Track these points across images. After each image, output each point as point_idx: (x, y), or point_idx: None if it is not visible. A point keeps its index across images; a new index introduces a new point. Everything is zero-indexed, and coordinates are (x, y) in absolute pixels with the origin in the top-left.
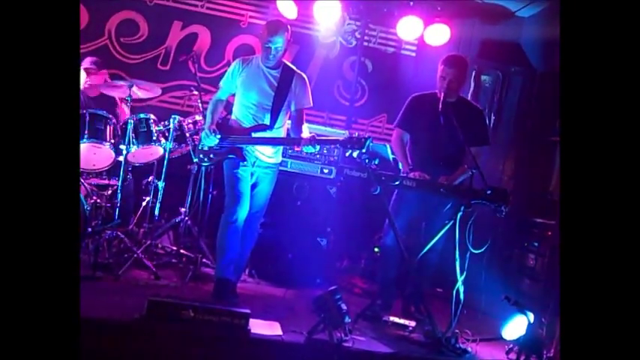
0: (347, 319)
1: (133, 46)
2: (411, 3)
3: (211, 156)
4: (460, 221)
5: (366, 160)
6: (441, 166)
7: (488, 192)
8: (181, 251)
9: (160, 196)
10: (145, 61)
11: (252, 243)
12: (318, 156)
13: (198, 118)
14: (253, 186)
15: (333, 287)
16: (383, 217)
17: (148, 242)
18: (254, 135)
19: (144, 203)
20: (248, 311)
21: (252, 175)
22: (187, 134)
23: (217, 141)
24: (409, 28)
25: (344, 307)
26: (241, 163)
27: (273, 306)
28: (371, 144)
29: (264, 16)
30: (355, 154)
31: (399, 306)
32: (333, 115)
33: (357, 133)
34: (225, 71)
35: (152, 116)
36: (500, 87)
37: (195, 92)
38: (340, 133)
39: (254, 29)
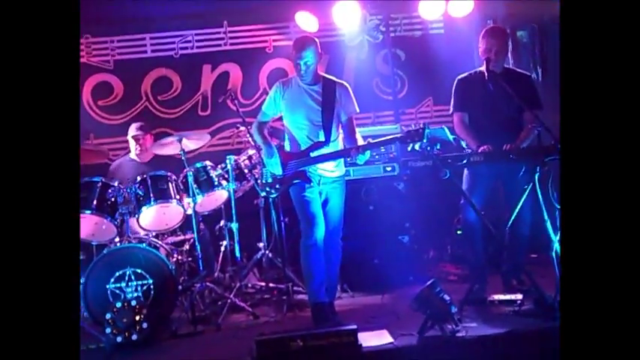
0: (453, 309)
1: (170, 100)
2: None
3: (277, 186)
4: (540, 182)
5: (428, 148)
6: (504, 135)
7: (559, 146)
8: (270, 285)
9: (236, 237)
10: (186, 111)
11: (338, 259)
12: (377, 156)
13: (251, 152)
14: (324, 204)
15: (430, 281)
16: (457, 199)
17: (238, 285)
18: (312, 154)
19: (222, 248)
20: (354, 327)
21: (320, 193)
22: (246, 170)
23: (280, 164)
24: (431, 7)
25: (447, 297)
26: (307, 186)
27: (375, 315)
28: (429, 129)
29: (287, 36)
30: (417, 147)
31: (499, 283)
32: (379, 113)
33: (413, 125)
34: (264, 99)
35: (208, 162)
36: (539, 39)
37: (242, 128)
38: (391, 129)
39: (281, 52)
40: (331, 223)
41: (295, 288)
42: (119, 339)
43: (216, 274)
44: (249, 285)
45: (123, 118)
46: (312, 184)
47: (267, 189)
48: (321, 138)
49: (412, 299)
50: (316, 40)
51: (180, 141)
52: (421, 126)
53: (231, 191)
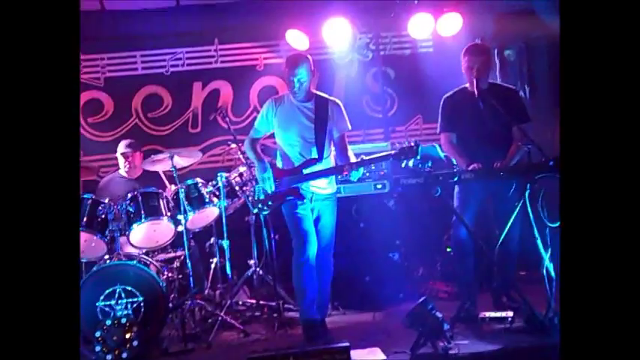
0: (446, 326)
1: (161, 118)
2: (416, 1)
3: (269, 203)
4: (530, 199)
5: (419, 165)
6: (493, 151)
7: (551, 163)
8: (261, 302)
9: (227, 254)
10: (176, 129)
11: (329, 276)
12: (367, 174)
13: (242, 169)
14: (317, 220)
15: (422, 298)
16: (448, 217)
17: (228, 302)
18: (305, 171)
19: (212, 265)
20: (347, 344)
21: (312, 210)
22: (237, 187)
23: (272, 179)
24: (420, 26)
25: (439, 314)
26: (299, 203)
27: (366, 332)
28: (421, 147)
29: (278, 54)
30: (411, 163)
31: (489, 300)
32: (369, 130)
33: (406, 142)
34: (255, 116)
35: (199, 180)
36: (526, 57)
37: (233, 145)
38: (381, 146)
39: (271, 69)
40: (323, 240)
41: (286, 305)
42: (109, 357)
43: (206, 292)
44: (240, 302)
45: (113, 135)
46: (304, 201)
47: (260, 206)
48: (314, 155)
49: (405, 316)
50: (309, 57)
51: (171, 158)
52: (413, 143)
53: (222, 208)
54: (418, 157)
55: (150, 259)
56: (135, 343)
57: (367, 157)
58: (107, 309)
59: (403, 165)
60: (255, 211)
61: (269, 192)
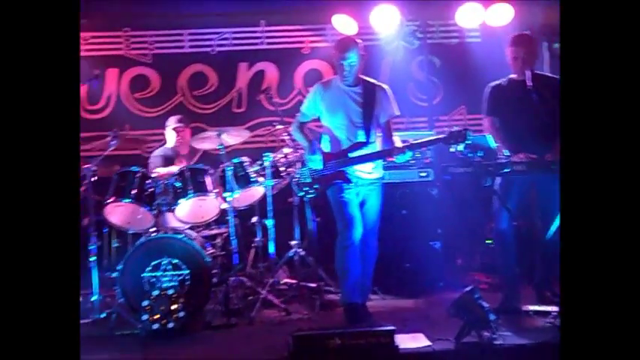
0: (492, 317)
1: (206, 96)
2: None
3: (316, 186)
4: None
5: (470, 155)
6: (539, 143)
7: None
8: (301, 283)
9: (272, 234)
10: (221, 108)
11: (373, 261)
12: (413, 161)
13: (286, 150)
14: (362, 205)
15: (469, 287)
16: (489, 208)
17: (271, 281)
18: (351, 155)
19: (254, 244)
20: (392, 328)
21: (357, 195)
22: (282, 168)
23: (322, 160)
24: (469, 15)
25: (485, 304)
26: (345, 186)
27: (407, 318)
28: (471, 136)
29: (324, 38)
30: (460, 148)
31: (532, 293)
32: (412, 118)
33: (455, 127)
34: (300, 99)
35: (246, 158)
36: None
37: (279, 126)
38: (425, 135)
39: (317, 53)
40: (368, 224)
41: (326, 287)
42: (155, 326)
43: (247, 270)
44: (282, 282)
45: (158, 111)
46: (350, 185)
47: (306, 189)
48: (361, 139)
49: (450, 304)
50: (359, 41)
51: (219, 136)
52: (463, 128)
53: (269, 188)
54: (469, 142)
55: (194, 234)
56: (181, 314)
57: (416, 141)
58: (153, 280)
59: (452, 149)
60: (301, 194)
61: (316, 174)
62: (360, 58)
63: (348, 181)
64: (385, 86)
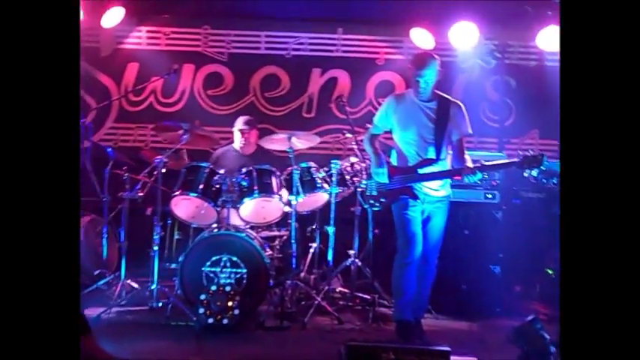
0: (552, 349)
1: (277, 98)
2: (550, 13)
3: (382, 200)
4: None
5: (544, 180)
6: None
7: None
8: (355, 293)
9: (331, 241)
10: (291, 111)
11: (431, 279)
12: (479, 182)
13: (353, 160)
14: (425, 222)
15: (531, 316)
16: (554, 237)
17: (326, 288)
18: (420, 171)
19: (311, 250)
20: (448, 349)
21: (422, 212)
22: (347, 177)
23: (387, 175)
24: (551, 38)
25: (547, 336)
26: (411, 203)
27: (461, 340)
28: (547, 161)
29: (400, 50)
30: (534, 173)
31: None
32: (482, 138)
33: (530, 152)
34: (369, 110)
35: (313, 164)
36: None
37: (349, 135)
38: (495, 156)
39: (391, 65)
40: (430, 242)
41: (379, 300)
42: (210, 320)
43: (302, 274)
44: (337, 290)
45: (229, 109)
46: (416, 201)
47: (371, 201)
48: (431, 155)
49: (511, 331)
50: (437, 57)
51: (289, 139)
52: (538, 153)
53: (333, 195)
54: (543, 168)
55: (255, 234)
56: (236, 311)
57: (489, 163)
58: (212, 275)
59: (526, 174)
60: (366, 206)
61: (382, 188)
62: (438, 74)
63: (415, 197)
64: (460, 103)
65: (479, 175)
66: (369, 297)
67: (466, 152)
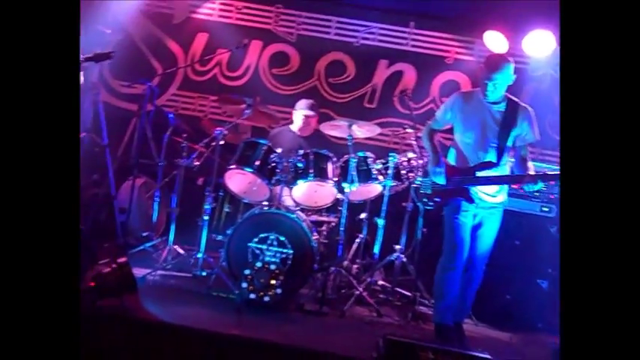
0: None
1: (340, 85)
2: None
3: (436, 199)
4: None
5: None
6: None
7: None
8: (396, 289)
9: (379, 234)
10: (353, 99)
11: (477, 285)
12: (537, 193)
13: (410, 155)
14: (477, 227)
15: None
16: None
17: (369, 279)
18: (479, 174)
19: (357, 240)
20: (489, 357)
21: (474, 216)
22: (403, 172)
23: (444, 174)
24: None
25: None
26: (463, 207)
27: (499, 350)
28: None
29: (471, 52)
30: None
31: None
32: (545, 150)
33: None
34: (432, 107)
35: (370, 154)
36: None
37: (409, 130)
38: (556, 169)
39: (460, 65)
40: (480, 248)
41: (420, 299)
42: (252, 296)
43: (345, 263)
44: (379, 283)
45: (292, 90)
46: (471, 205)
47: (425, 200)
48: (491, 158)
49: (554, 350)
50: (512, 61)
51: (350, 127)
52: None
53: (387, 188)
54: None
55: (304, 217)
56: (278, 290)
57: (552, 173)
58: (258, 252)
59: None
60: (420, 204)
61: (438, 187)
62: (510, 79)
63: (470, 200)
64: (530, 108)
65: (540, 185)
66: (409, 294)
67: (529, 160)
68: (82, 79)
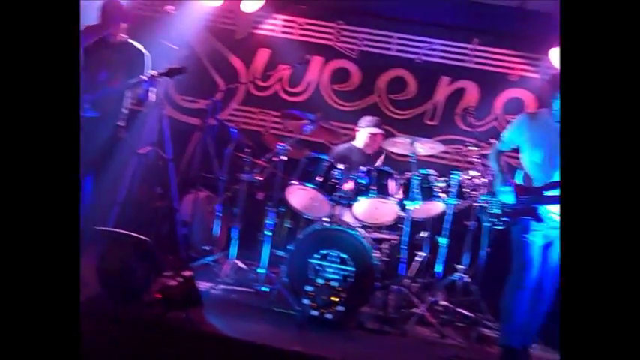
0: None
1: (401, 102)
2: None
3: (504, 219)
4: None
5: None
6: None
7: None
8: (458, 309)
9: (441, 252)
10: (414, 116)
11: (545, 308)
12: None
13: (473, 173)
14: (547, 246)
15: None
16: None
17: (431, 299)
18: (547, 193)
19: (418, 258)
20: None
21: (544, 236)
22: (466, 190)
23: (513, 194)
24: None
25: None
26: (532, 226)
27: None
28: None
29: (537, 68)
30: None
31: None
32: None
33: None
34: (494, 126)
35: (433, 172)
36: None
37: (472, 148)
38: None
39: (525, 83)
40: (550, 269)
41: (484, 321)
42: (314, 313)
43: (406, 282)
44: (442, 303)
45: (352, 106)
46: (541, 224)
47: (493, 219)
48: (559, 179)
49: None
50: None
51: (412, 144)
52: None
53: (450, 206)
54: None
55: (366, 234)
56: (340, 307)
57: None
58: (319, 268)
59: None
60: (488, 225)
61: (507, 208)
62: None
63: (539, 219)
64: None
65: None
66: (472, 315)
67: None
68: (153, 95)
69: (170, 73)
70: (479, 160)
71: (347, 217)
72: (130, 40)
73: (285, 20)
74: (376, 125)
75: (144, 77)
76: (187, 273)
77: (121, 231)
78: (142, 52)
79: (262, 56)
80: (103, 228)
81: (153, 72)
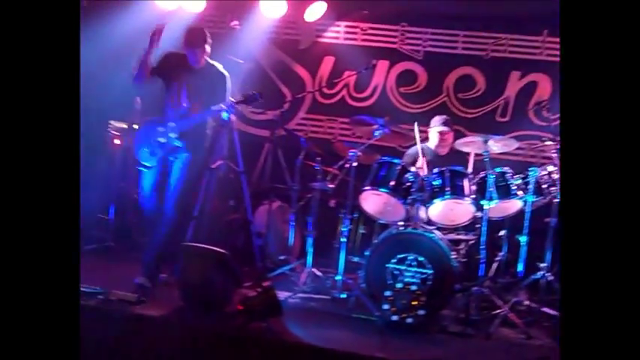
0: None
1: (470, 100)
2: None
3: None
4: None
5: None
6: None
7: None
8: (543, 309)
9: (522, 251)
10: (484, 114)
11: None
12: None
13: (550, 168)
14: None
15: None
16: None
17: (514, 299)
18: None
19: (497, 258)
20: None
21: None
22: (544, 186)
23: None
24: None
25: None
26: None
27: None
28: None
29: None
30: None
31: None
32: None
33: None
34: None
35: (508, 169)
36: None
37: (548, 142)
38: None
39: None
40: None
41: None
42: (394, 318)
43: (486, 283)
44: (525, 303)
45: (420, 108)
46: None
47: None
48: None
49: None
50: None
51: (485, 142)
52: None
53: (528, 204)
54: None
55: (442, 236)
56: (420, 312)
57: None
58: (396, 272)
59: None
60: None
61: None
62: None
63: None
64: None
65: None
66: (556, 314)
67: None
68: (233, 118)
69: (247, 100)
70: (556, 155)
71: (422, 220)
72: (211, 61)
73: (347, 27)
74: (444, 123)
75: (223, 106)
76: (266, 283)
77: (200, 245)
78: (223, 74)
79: (327, 64)
80: (184, 243)
81: (232, 99)
